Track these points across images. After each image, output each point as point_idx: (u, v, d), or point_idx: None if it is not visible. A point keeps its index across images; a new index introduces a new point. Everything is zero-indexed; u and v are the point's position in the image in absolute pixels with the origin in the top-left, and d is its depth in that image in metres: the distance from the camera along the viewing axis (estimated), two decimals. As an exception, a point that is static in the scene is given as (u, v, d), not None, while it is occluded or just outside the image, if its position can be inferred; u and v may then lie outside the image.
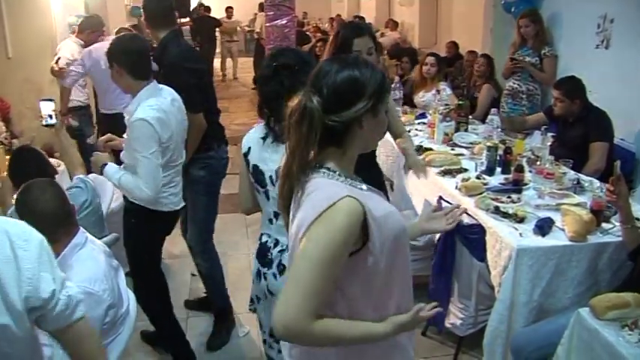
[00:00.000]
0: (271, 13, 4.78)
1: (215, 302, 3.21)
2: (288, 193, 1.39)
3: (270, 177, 1.87)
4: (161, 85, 2.55)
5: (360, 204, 1.24)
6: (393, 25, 10.56)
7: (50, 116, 3.67)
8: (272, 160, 1.85)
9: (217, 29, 11.25)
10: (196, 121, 2.82)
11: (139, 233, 2.64)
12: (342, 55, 1.42)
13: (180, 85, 2.66)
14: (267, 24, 4.85)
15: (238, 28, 12.45)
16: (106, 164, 2.52)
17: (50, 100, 3.84)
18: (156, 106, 2.39)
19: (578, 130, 3.48)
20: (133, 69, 2.42)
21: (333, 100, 1.29)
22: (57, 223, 1.92)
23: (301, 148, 1.30)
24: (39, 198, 1.92)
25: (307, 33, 10.98)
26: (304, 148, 1.30)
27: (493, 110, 3.87)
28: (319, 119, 1.27)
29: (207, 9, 11.70)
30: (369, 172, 1.62)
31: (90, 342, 1.45)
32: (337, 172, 1.34)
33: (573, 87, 3.51)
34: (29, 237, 1.27)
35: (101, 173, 2.54)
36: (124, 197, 2.67)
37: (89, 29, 4.96)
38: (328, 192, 1.27)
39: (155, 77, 2.56)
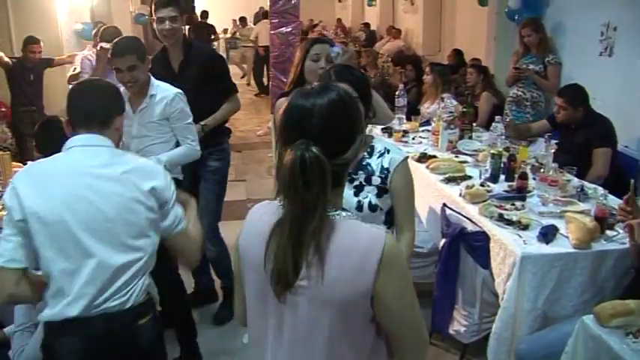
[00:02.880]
0: (276, 20, 4.83)
1: (225, 282, 3.42)
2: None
3: None
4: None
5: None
6: (396, 32, 10.58)
7: None
8: None
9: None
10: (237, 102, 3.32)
11: None
12: (305, 87, 1.25)
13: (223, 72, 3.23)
14: (272, 31, 4.90)
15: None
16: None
17: None
18: None
19: (581, 137, 3.49)
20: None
21: (334, 143, 1.14)
22: None
23: (318, 208, 1.12)
24: None
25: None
26: (320, 207, 1.12)
27: (497, 118, 3.88)
28: (328, 168, 1.11)
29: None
30: None
31: None
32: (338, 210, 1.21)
33: (577, 95, 3.52)
34: None
35: None
36: None
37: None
38: (371, 233, 1.18)
39: None
